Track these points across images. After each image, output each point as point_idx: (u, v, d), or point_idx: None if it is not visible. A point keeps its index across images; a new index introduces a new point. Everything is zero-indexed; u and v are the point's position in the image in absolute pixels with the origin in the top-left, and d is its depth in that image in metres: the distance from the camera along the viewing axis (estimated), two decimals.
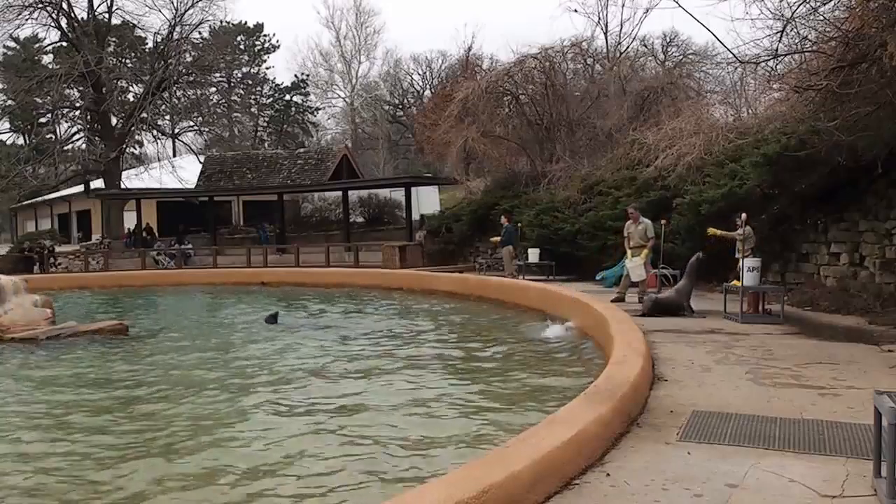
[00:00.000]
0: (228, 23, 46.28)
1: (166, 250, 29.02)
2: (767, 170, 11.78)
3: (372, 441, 5.17)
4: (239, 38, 54.88)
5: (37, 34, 39.80)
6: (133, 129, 35.54)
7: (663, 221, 12.25)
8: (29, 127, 42.39)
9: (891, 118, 9.01)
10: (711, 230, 10.88)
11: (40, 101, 35.93)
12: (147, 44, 38.51)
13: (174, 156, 42.86)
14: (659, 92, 20.87)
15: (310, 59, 60.82)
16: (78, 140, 37.35)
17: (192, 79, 35.29)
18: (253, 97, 54.95)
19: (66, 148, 38.32)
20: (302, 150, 42.51)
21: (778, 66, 10.15)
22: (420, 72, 55.99)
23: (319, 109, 59.30)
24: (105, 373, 8.23)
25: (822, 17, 8.98)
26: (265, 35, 57.59)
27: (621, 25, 34.60)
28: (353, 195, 31.37)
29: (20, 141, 45.06)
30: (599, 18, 34.86)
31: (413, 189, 27.98)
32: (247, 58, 56.09)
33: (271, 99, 58.61)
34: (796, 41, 9.43)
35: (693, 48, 40.35)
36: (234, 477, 4.58)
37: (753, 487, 3.74)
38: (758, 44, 9.55)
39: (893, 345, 7.47)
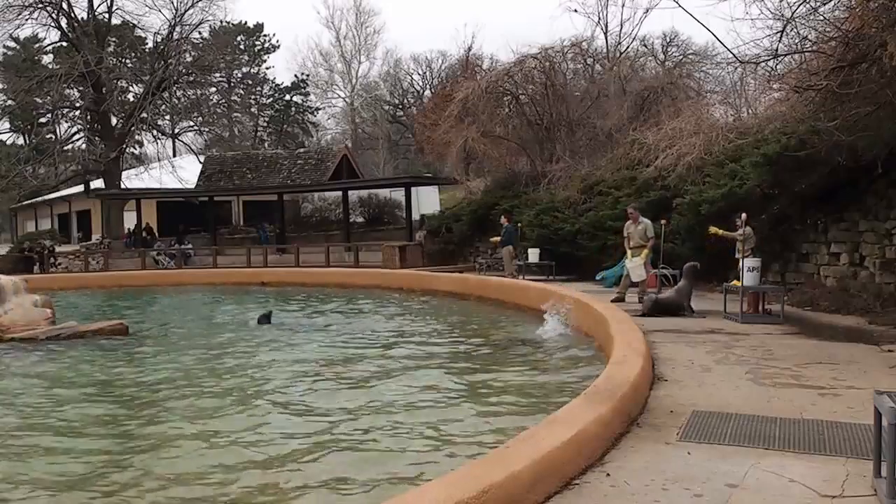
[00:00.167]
0: (228, 23, 46.33)
1: (166, 250, 29.02)
2: (767, 170, 11.78)
3: (371, 441, 5.17)
4: (239, 38, 54.88)
5: (37, 34, 39.90)
6: (133, 129, 35.55)
7: (663, 221, 12.25)
8: (29, 127, 42.40)
9: (891, 118, 9.01)
10: (713, 229, 10.88)
11: (40, 101, 35.94)
12: (147, 44, 38.54)
13: (174, 156, 42.87)
14: (659, 92, 20.88)
15: (310, 59, 60.88)
16: (78, 140, 37.40)
17: (192, 79, 35.31)
18: (253, 97, 54.96)
19: (66, 148, 38.34)
20: (302, 150, 42.52)
21: (778, 66, 10.16)
22: (420, 72, 56.09)
23: (319, 109, 59.40)
24: (105, 372, 8.23)
25: (822, 17, 8.99)
26: (265, 35, 57.65)
27: (621, 25, 34.64)
28: (353, 195, 31.37)
29: (20, 141, 45.08)
30: (599, 18, 34.86)
31: (413, 189, 27.98)
32: (247, 58, 56.10)
33: (271, 99, 58.61)
34: (796, 41, 9.43)
35: (693, 48, 40.41)
36: (233, 477, 4.58)
37: (753, 487, 3.74)
38: (758, 44, 9.56)
39: (893, 345, 7.47)
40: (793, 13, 8.95)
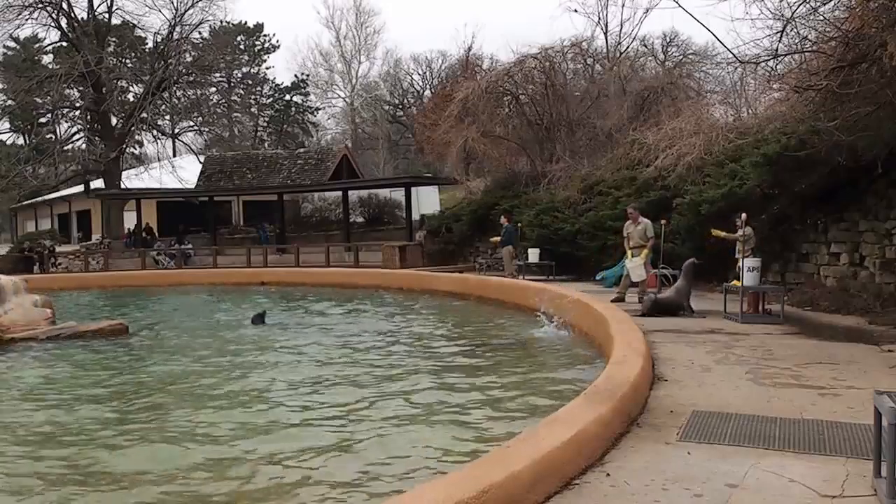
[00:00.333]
0: (228, 23, 46.33)
1: (166, 250, 29.03)
2: (767, 170, 11.78)
3: (370, 441, 5.17)
4: (239, 38, 54.88)
5: (37, 34, 39.90)
6: (133, 129, 35.55)
7: (663, 221, 12.24)
8: (29, 127, 42.40)
9: (891, 118, 9.01)
10: (715, 231, 10.88)
11: (40, 101, 35.95)
12: (147, 44, 38.54)
13: (174, 156, 42.87)
14: (659, 92, 20.87)
15: (310, 59, 60.87)
16: (78, 140, 37.41)
17: (192, 79, 35.31)
18: (253, 97, 54.96)
19: (66, 148, 38.34)
20: (302, 150, 42.51)
21: (778, 66, 10.15)
22: (420, 72, 56.09)
23: (319, 109, 59.40)
24: (105, 372, 8.23)
25: (822, 17, 8.99)
26: (265, 35, 57.65)
27: (621, 25, 34.65)
28: (353, 195, 31.37)
29: (20, 141, 45.09)
30: (599, 18, 34.88)
31: (413, 189, 27.98)
32: (247, 58, 56.09)
33: (271, 99, 58.61)
34: (796, 41, 9.43)
35: (693, 48, 40.41)
36: (233, 476, 4.58)
37: (753, 487, 3.74)
38: (758, 44, 9.56)
39: (893, 345, 7.47)
40: (793, 13, 8.95)
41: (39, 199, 41.95)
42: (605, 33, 32.75)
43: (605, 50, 31.41)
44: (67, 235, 38.43)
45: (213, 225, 31.29)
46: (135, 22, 35.11)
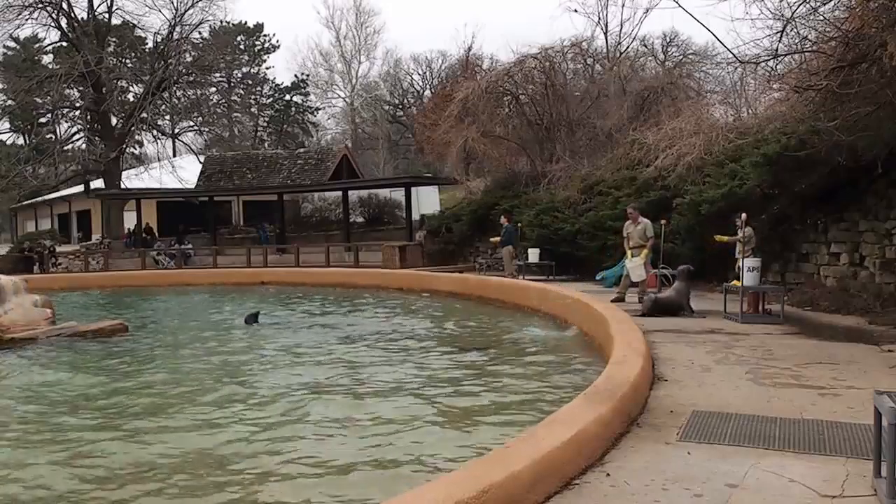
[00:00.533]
0: (228, 23, 46.32)
1: (166, 250, 29.03)
2: (767, 170, 11.78)
3: (370, 441, 5.17)
4: (239, 38, 54.87)
5: (37, 34, 39.90)
6: (133, 129, 35.54)
7: (663, 221, 12.25)
8: (29, 127, 42.40)
9: (891, 118, 9.01)
10: (718, 237, 10.90)
11: (40, 101, 35.94)
12: (147, 44, 38.53)
13: (174, 156, 42.87)
14: (659, 92, 20.87)
15: (310, 59, 60.91)
16: (78, 140, 37.40)
17: (192, 79, 35.30)
18: (253, 97, 54.95)
19: (66, 148, 38.33)
20: (302, 150, 42.51)
21: (778, 66, 10.15)
22: (420, 72, 56.08)
23: (319, 109, 59.39)
24: (105, 372, 8.23)
25: (822, 17, 8.99)
26: (265, 35, 57.64)
27: (621, 25, 34.67)
28: (353, 195, 31.37)
29: (20, 141, 45.08)
30: (599, 18, 34.93)
31: (413, 189, 27.98)
32: (247, 58, 56.09)
33: (271, 99, 58.61)
34: (796, 41, 9.43)
35: (693, 48, 40.41)
36: (233, 475, 4.58)
37: (753, 487, 3.74)
38: (758, 44, 9.56)
39: (893, 345, 7.47)
40: (793, 13, 8.95)
41: (39, 199, 41.95)
42: (605, 33, 32.80)
43: (605, 50, 31.43)
44: (67, 235, 38.43)
45: (213, 225, 31.29)
46: (135, 22, 35.17)
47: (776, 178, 11.89)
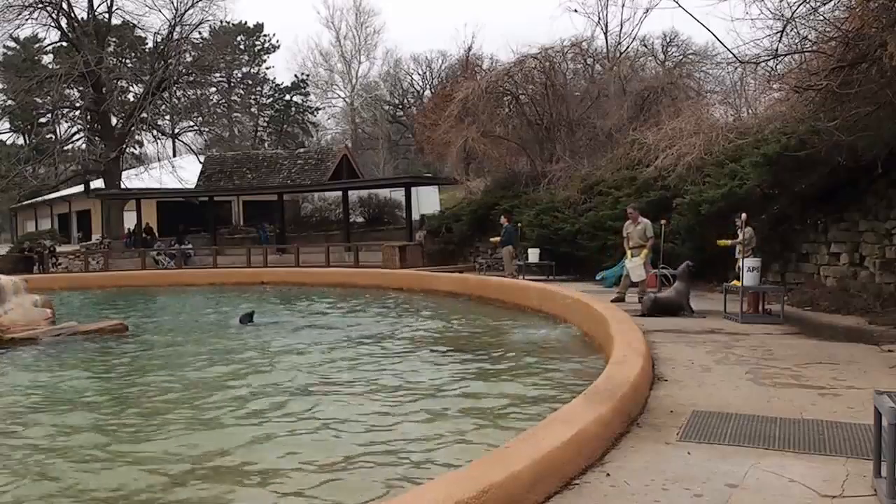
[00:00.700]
0: (228, 23, 46.34)
1: (166, 250, 29.03)
2: (767, 170, 11.78)
3: (369, 441, 5.17)
4: (239, 38, 54.88)
5: (37, 34, 39.92)
6: (133, 129, 35.56)
7: (663, 221, 12.25)
8: (29, 127, 42.40)
9: (891, 118, 9.01)
10: (721, 242, 10.91)
11: (40, 101, 35.95)
12: (147, 44, 38.55)
13: (174, 156, 42.87)
14: (659, 92, 20.87)
15: (310, 59, 60.93)
16: (78, 140, 37.41)
17: (192, 79, 35.31)
18: (253, 97, 54.96)
19: (66, 148, 38.34)
20: (302, 150, 42.51)
21: (778, 66, 10.15)
22: (420, 72, 56.10)
23: (319, 109, 59.40)
24: (105, 372, 8.23)
25: (822, 17, 8.99)
26: (265, 35, 57.64)
27: (621, 25, 34.66)
28: (353, 195, 31.37)
29: (20, 141, 45.09)
30: (599, 18, 34.94)
31: (413, 189, 27.98)
32: (247, 58, 56.09)
33: (271, 99, 58.61)
34: (796, 41, 9.43)
35: (693, 48, 40.42)
36: (233, 475, 4.58)
37: (753, 487, 3.74)
38: (758, 44, 9.56)
39: (893, 345, 7.47)
40: (793, 13, 8.95)
41: (39, 199, 41.95)
42: (605, 33, 32.80)
43: (605, 50, 31.42)
44: (67, 235, 38.43)
45: (213, 225, 31.29)
46: (135, 22, 35.19)
47: (776, 178, 11.89)
